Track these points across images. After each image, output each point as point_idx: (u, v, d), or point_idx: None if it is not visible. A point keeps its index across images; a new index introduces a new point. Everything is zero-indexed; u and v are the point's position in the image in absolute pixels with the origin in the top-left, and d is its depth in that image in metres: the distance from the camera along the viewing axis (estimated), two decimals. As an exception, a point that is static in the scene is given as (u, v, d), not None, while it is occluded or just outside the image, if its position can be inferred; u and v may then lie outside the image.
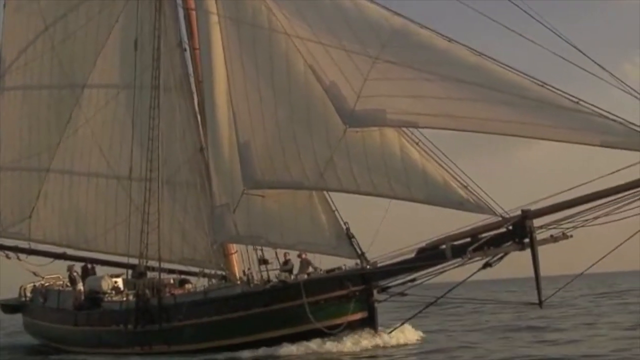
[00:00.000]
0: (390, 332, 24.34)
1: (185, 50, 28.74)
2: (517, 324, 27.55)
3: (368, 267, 23.98)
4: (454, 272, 22.68)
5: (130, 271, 29.31)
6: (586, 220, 20.62)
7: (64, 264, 33.14)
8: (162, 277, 28.92)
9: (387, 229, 24.18)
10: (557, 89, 19.87)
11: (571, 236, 21.57)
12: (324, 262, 25.86)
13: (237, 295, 25.25)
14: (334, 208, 24.84)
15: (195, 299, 26.31)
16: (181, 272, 29.92)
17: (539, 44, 20.62)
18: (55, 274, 34.10)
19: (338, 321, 23.89)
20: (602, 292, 50.22)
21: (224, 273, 28.24)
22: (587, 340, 23.28)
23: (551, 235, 21.47)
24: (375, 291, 24.22)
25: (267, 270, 26.32)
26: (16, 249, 33.84)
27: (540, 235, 21.08)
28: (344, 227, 24.58)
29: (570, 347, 21.80)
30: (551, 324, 27.09)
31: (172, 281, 30.00)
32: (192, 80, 28.64)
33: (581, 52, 19.58)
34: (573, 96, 19.62)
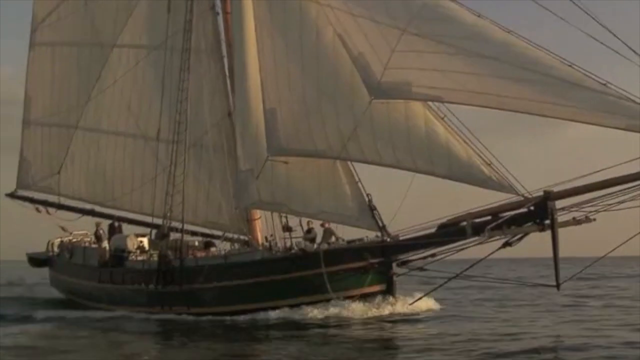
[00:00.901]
0: (412, 303, 24.26)
1: (218, 14, 28.74)
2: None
3: (388, 239, 23.91)
4: (476, 249, 22.57)
5: (154, 231, 29.47)
6: (609, 204, 20.33)
7: (92, 221, 33.47)
8: (186, 239, 29.17)
9: (411, 201, 24.13)
10: (586, 71, 19.55)
11: (594, 219, 21.36)
12: (346, 233, 25.94)
13: (257, 261, 25.35)
14: (357, 179, 24.82)
15: (215, 263, 26.46)
16: (204, 235, 30.00)
17: (573, 25, 20.15)
18: (83, 230, 34.39)
19: (355, 292, 23.95)
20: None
21: (246, 238, 28.28)
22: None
23: (574, 218, 21.28)
24: (394, 264, 24.21)
25: (291, 238, 26.44)
26: (45, 203, 34.19)
27: (561, 218, 20.89)
28: (367, 199, 24.55)
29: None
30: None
31: (197, 244, 30.15)
32: (223, 44, 28.61)
33: (612, 33, 19.13)
34: (601, 78, 19.32)
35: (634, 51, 18.65)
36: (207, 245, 30.07)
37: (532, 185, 21.61)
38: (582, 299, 29.54)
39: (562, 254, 20.64)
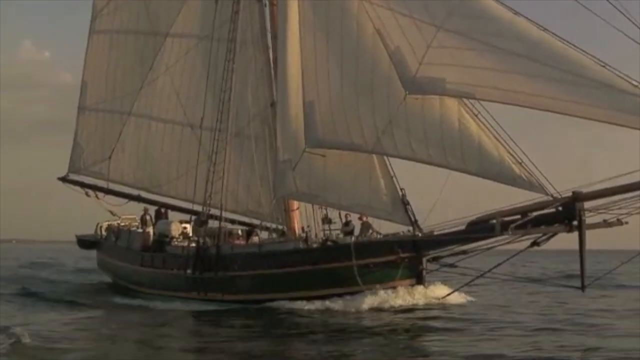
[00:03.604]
0: (443, 297, 24.31)
1: (265, 5, 29.07)
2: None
3: (419, 235, 24.00)
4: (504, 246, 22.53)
5: (195, 218, 29.98)
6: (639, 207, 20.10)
7: (141, 206, 34.24)
8: (229, 227, 29.63)
9: (448, 197, 24.18)
10: (618, 71, 19.32)
11: (627, 222, 21.14)
12: (384, 227, 26.09)
13: (289, 252, 25.64)
14: (392, 174, 24.94)
15: (250, 251, 26.86)
16: (243, 223, 30.44)
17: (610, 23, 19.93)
18: (132, 215, 35.14)
19: (385, 286, 24.01)
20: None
21: (283, 228, 28.59)
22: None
23: (604, 220, 21.08)
24: (425, 260, 24.28)
25: (330, 230, 26.68)
26: (95, 188, 35.07)
27: (590, 219, 20.69)
28: (400, 193, 24.65)
29: None
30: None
31: (239, 232, 30.58)
32: (269, 35, 28.91)
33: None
34: (633, 79, 19.08)
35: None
36: (249, 234, 30.53)
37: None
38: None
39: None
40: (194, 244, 28.56)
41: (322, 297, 24.18)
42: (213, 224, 28.66)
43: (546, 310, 23.85)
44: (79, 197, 35.93)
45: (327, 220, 27.00)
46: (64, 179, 36.10)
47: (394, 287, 23.96)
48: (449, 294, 24.36)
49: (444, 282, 25.00)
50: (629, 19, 19.04)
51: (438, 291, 24.38)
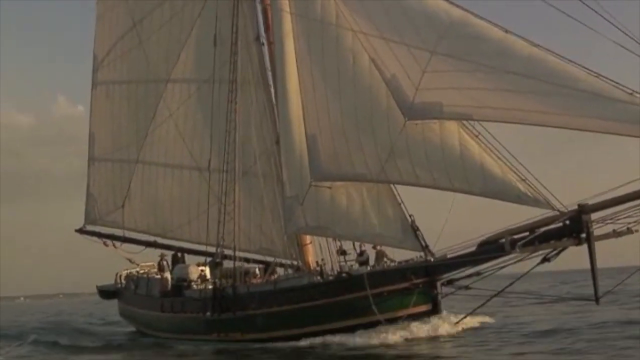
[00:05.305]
0: (457, 322, 24.25)
1: (263, 44, 29.22)
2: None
3: (431, 259, 23.97)
4: (519, 264, 22.42)
5: (209, 260, 30.10)
6: (646, 215, 20.00)
7: (158, 252, 34.44)
8: (245, 266, 29.73)
9: (456, 220, 24.12)
10: (613, 81, 19.30)
11: (637, 231, 21.02)
12: (398, 254, 26.07)
13: (304, 286, 25.66)
14: (400, 200, 24.90)
15: (266, 289, 26.89)
16: (257, 261, 30.51)
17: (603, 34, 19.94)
18: (150, 261, 35.38)
19: (402, 313, 23.98)
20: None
21: (297, 263, 28.61)
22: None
23: (614, 230, 20.97)
24: (439, 284, 24.22)
25: (345, 261, 26.68)
26: (112, 237, 35.28)
27: (599, 230, 20.60)
28: (410, 220, 24.63)
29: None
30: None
31: (257, 270, 30.66)
32: (269, 73, 29.07)
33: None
34: (628, 88, 19.06)
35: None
36: (267, 271, 30.55)
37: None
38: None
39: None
40: (211, 286, 28.62)
41: (341, 330, 24.19)
42: (228, 264, 28.74)
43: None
44: (95, 248, 36.29)
45: (341, 251, 26.98)
46: (81, 231, 36.39)
47: (412, 314, 23.92)
48: (463, 318, 24.30)
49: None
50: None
51: (453, 317, 24.34)
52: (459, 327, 24.10)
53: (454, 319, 24.30)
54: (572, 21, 20.31)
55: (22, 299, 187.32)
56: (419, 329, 23.58)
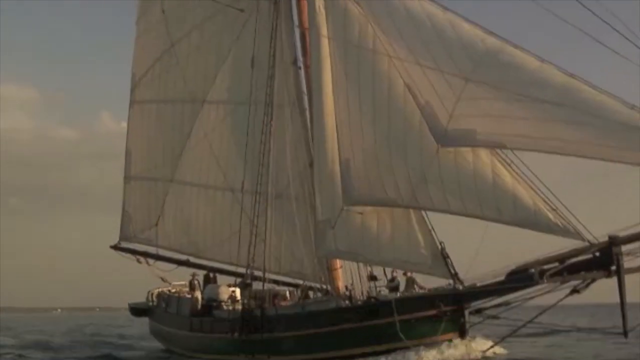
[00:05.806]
0: (485, 351, 24.07)
1: (300, 68, 29.36)
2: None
3: (459, 287, 23.84)
4: (548, 295, 22.26)
5: (239, 281, 30.21)
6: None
7: (190, 271, 34.59)
8: (275, 288, 29.81)
9: (489, 243, 23.96)
10: (648, 111, 19.20)
11: (671, 265, 20.76)
12: (429, 281, 25.97)
13: (331, 310, 25.63)
14: (430, 227, 24.79)
15: (294, 312, 26.90)
16: (287, 284, 30.53)
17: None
18: (182, 280, 35.50)
19: (429, 340, 23.84)
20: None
21: (327, 287, 28.59)
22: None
23: (644, 264, 20.73)
24: (467, 313, 24.07)
25: (375, 287, 26.65)
26: (145, 254, 35.53)
27: (629, 263, 20.39)
28: (440, 247, 24.53)
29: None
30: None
31: (287, 293, 30.71)
32: (305, 96, 29.20)
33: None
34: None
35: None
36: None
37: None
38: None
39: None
40: (240, 307, 28.71)
41: (367, 354, 24.12)
42: (257, 286, 28.80)
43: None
44: (129, 265, 36.54)
45: (372, 277, 26.95)
46: (115, 247, 36.69)
47: (438, 342, 23.79)
48: (491, 347, 24.11)
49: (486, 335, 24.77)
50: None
51: (481, 345, 24.12)
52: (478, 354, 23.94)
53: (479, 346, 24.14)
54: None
55: (58, 310, 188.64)
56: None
